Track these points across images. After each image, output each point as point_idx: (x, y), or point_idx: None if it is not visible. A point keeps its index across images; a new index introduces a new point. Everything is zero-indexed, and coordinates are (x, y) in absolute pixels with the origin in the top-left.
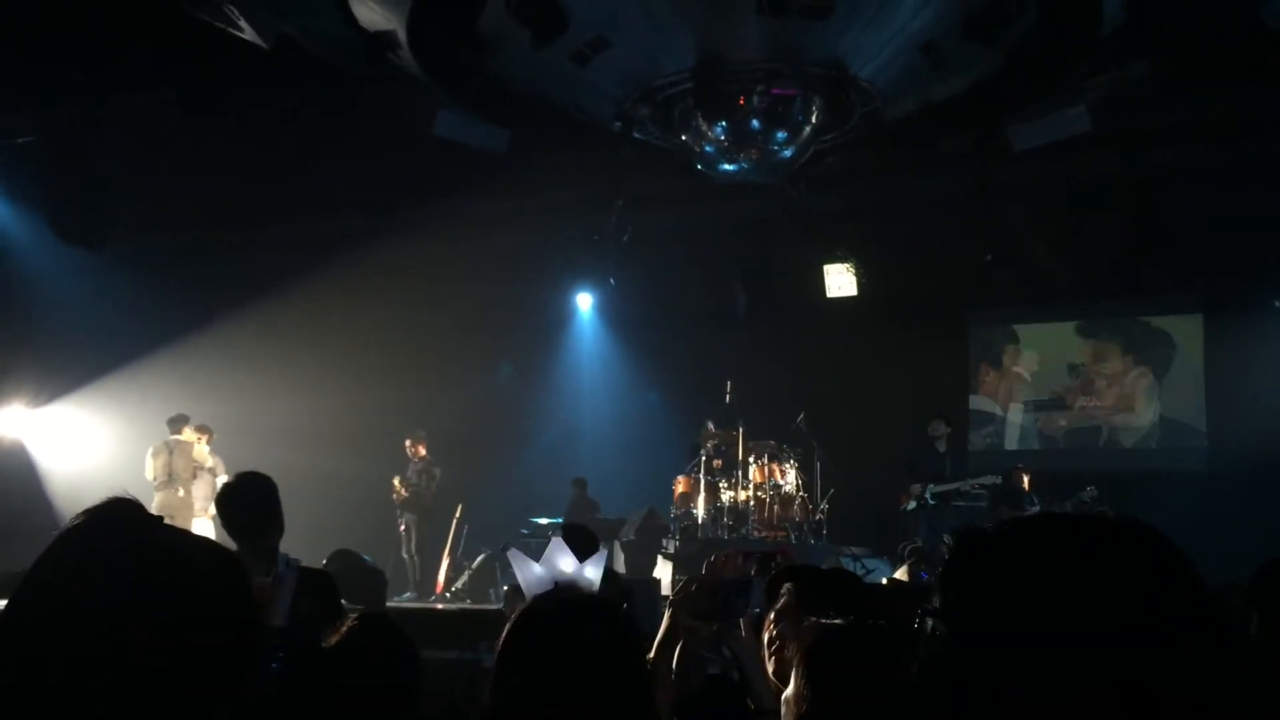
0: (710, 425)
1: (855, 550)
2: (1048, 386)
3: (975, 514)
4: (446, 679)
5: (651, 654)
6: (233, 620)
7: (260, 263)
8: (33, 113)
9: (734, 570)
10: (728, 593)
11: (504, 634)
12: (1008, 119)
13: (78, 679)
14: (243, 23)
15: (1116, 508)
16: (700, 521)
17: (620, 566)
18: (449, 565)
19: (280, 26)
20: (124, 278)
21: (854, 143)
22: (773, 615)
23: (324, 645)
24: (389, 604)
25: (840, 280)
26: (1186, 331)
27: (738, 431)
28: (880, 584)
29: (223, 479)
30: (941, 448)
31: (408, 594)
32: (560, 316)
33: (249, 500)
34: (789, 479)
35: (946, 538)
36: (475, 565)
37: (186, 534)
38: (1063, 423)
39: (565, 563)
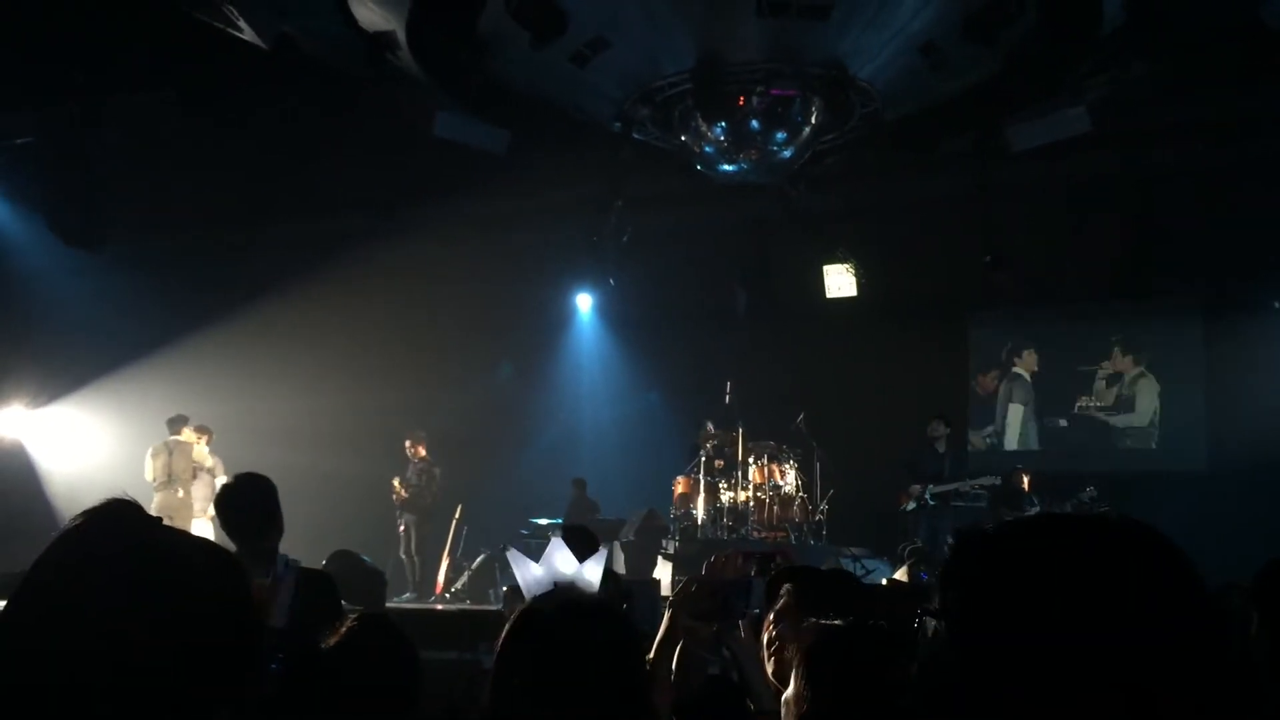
0: (710, 426)
1: (855, 551)
2: (1047, 387)
3: (975, 514)
4: (446, 680)
5: (651, 655)
6: (232, 621)
7: (260, 263)
8: (33, 113)
9: (734, 571)
10: (728, 594)
11: (503, 635)
12: (1007, 119)
13: (77, 679)
14: (242, 23)
15: (1116, 508)
16: (700, 522)
17: (620, 567)
18: (448, 566)
19: (279, 27)
20: (124, 278)
21: (854, 143)
22: (772, 616)
23: (323, 646)
24: (388, 605)
25: (840, 280)
26: (1186, 331)
27: (737, 432)
28: (880, 585)
29: (222, 479)
30: (941, 448)
31: (407, 594)
32: (560, 317)
33: (248, 501)
34: (788, 479)
35: (950, 538)
36: (475, 566)
37: (185, 535)
38: (1063, 423)
39: (565, 563)
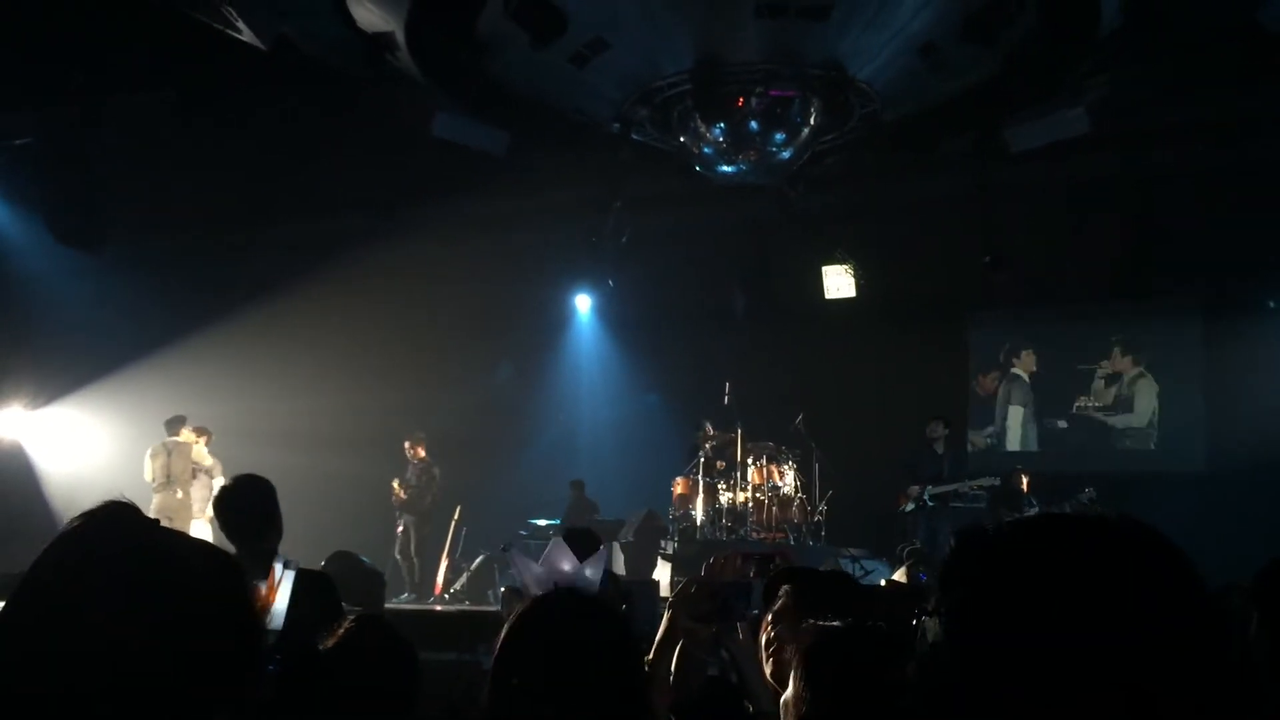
0: (709, 426)
1: (854, 552)
2: (1047, 387)
3: (973, 515)
4: (445, 681)
5: (650, 656)
6: (231, 622)
7: (260, 263)
8: (33, 113)
9: (733, 572)
10: (727, 595)
11: (502, 635)
12: (1007, 120)
13: (76, 681)
14: (241, 24)
15: (1116, 508)
16: (699, 523)
17: (619, 568)
18: (447, 567)
19: (278, 28)
20: (123, 279)
21: (853, 144)
22: (770, 617)
23: (321, 647)
24: (387, 605)
25: (839, 281)
26: (1186, 332)
27: (736, 433)
28: (879, 585)
29: (220, 480)
30: (940, 449)
31: (405, 595)
32: (560, 317)
33: (247, 503)
34: (787, 480)
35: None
36: (474, 567)
37: (184, 536)
38: (1062, 424)
39: (565, 563)
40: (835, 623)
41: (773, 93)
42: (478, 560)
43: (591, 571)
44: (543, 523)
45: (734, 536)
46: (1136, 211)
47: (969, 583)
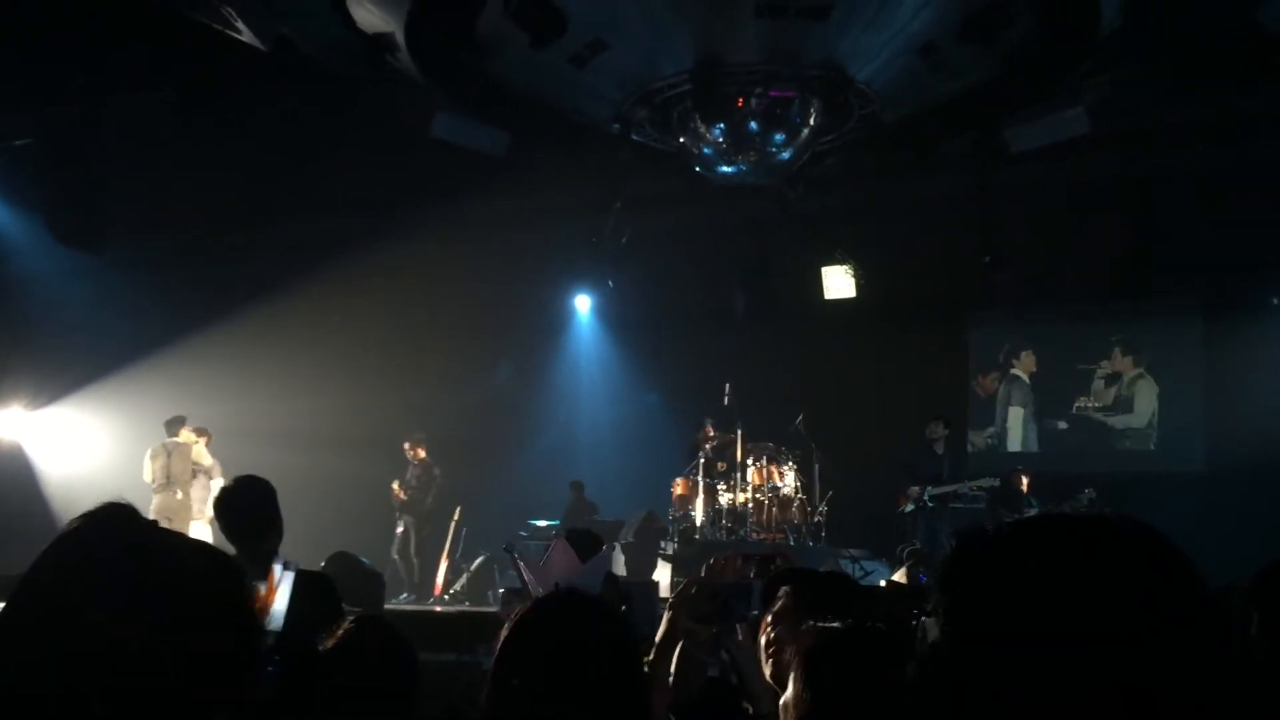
0: (709, 427)
1: (854, 552)
2: (1047, 387)
3: (973, 516)
4: (444, 682)
5: (650, 656)
6: (230, 623)
7: (260, 263)
8: (33, 113)
9: (733, 573)
10: (727, 596)
11: (502, 635)
12: (1007, 120)
13: (75, 682)
14: (240, 24)
15: (1116, 508)
16: (699, 524)
17: (619, 569)
18: (447, 567)
19: (278, 28)
20: (123, 279)
21: (853, 144)
22: (770, 618)
23: (321, 648)
24: (387, 606)
25: (839, 282)
26: (1186, 332)
27: (736, 433)
28: (879, 586)
29: (220, 481)
30: (940, 450)
31: (404, 595)
32: (559, 317)
33: (247, 504)
34: (787, 481)
35: (948, 539)
36: (474, 567)
37: (183, 537)
38: (1062, 424)
39: (566, 564)
40: (835, 624)
41: (772, 93)
42: (478, 561)
43: (592, 572)
44: (543, 523)
45: (734, 537)
46: (1136, 211)
47: (969, 583)
